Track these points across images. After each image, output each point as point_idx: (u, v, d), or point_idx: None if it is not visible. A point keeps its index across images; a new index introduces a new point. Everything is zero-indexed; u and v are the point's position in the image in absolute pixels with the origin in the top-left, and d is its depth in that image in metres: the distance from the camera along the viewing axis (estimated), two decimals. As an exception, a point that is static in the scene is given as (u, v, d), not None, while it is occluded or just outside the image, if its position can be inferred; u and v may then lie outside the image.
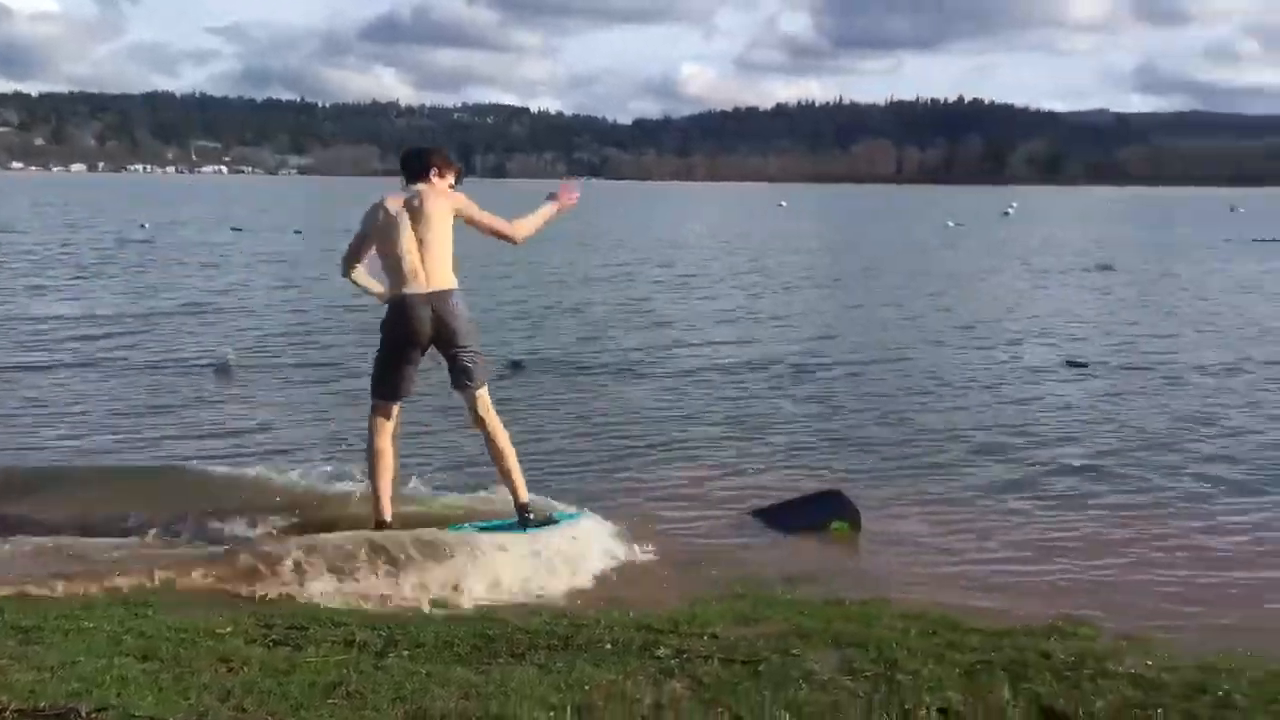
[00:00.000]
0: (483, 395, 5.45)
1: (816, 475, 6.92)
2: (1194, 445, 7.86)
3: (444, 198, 5.43)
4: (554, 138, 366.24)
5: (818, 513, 5.84)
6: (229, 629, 3.81)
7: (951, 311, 15.91)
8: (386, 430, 5.47)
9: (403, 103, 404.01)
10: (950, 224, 47.45)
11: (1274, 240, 35.37)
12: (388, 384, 5.45)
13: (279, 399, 9.32)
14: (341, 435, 7.81)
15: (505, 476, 5.52)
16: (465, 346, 5.35)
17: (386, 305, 5.40)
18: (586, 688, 3.39)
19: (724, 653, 3.80)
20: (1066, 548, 5.72)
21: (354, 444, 7.21)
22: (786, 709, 3.32)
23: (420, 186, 5.46)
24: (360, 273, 5.61)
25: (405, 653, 3.65)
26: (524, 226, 5.60)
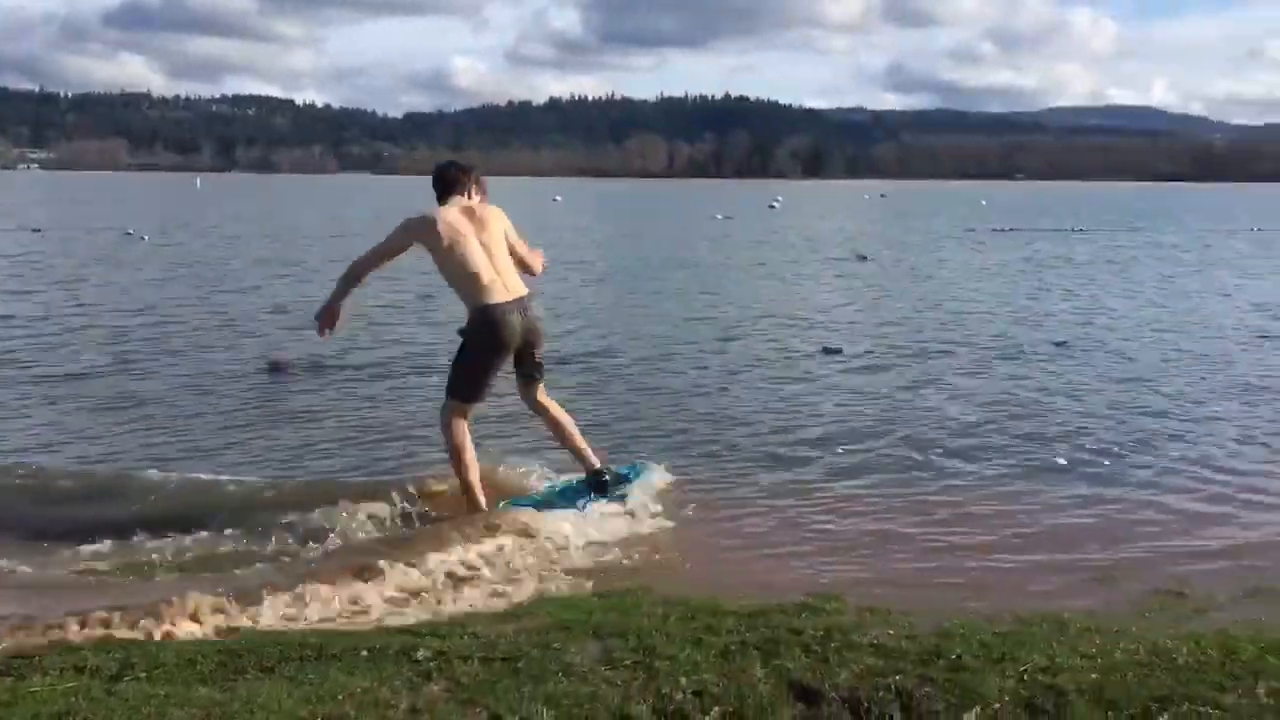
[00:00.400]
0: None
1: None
2: (948, 425, 8.33)
3: (501, 215, 5.88)
4: (322, 131, 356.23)
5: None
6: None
7: (720, 302, 16.34)
8: (466, 429, 5.80)
9: (155, 93, 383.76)
10: (719, 217, 48.79)
11: (1013, 230, 38.03)
12: (476, 389, 5.78)
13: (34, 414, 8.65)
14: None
15: (575, 448, 6.07)
16: (543, 345, 5.91)
17: (470, 312, 5.66)
18: (339, 697, 3.30)
19: (484, 651, 3.76)
20: (823, 529, 5.96)
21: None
22: (545, 703, 3.32)
23: (465, 200, 5.83)
24: (362, 279, 5.83)
25: (142, 675, 3.44)
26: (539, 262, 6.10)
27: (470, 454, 5.79)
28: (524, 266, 5.94)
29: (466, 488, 5.80)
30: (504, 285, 5.64)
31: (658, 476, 6.40)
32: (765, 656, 3.71)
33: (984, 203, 73.37)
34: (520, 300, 5.68)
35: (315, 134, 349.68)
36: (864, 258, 25.01)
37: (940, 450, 7.51)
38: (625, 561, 5.41)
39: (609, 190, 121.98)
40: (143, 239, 28.16)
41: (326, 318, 5.82)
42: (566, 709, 3.29)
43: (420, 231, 5.67)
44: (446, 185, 5.86)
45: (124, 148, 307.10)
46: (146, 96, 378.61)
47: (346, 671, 3.52)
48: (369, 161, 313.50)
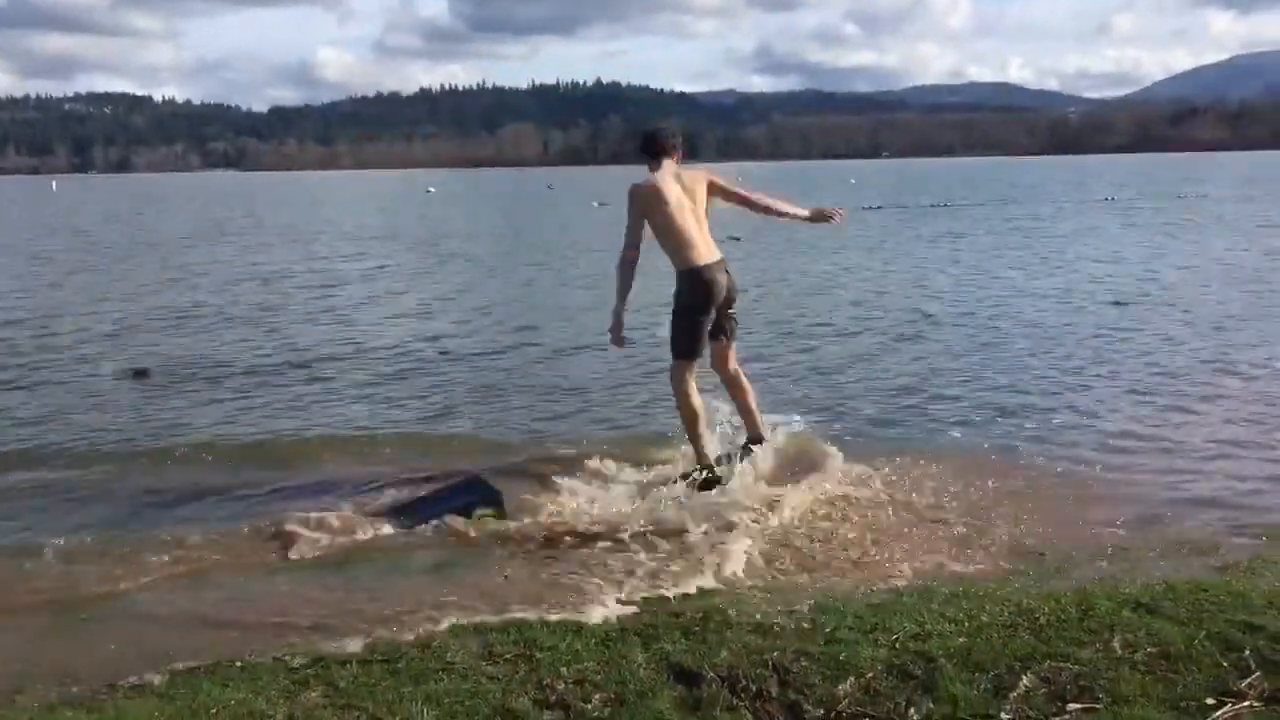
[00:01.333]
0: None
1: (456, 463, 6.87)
2: (820, 396, 8.48)
3: (704, 176, 6.28)
4: (183, 128, 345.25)
5: (459, 500, 5.81)
6: None
7: (596, 290, 16.33)
8: (694, 384, 6.16)
9: (3, 93, 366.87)
10: (596, 204, 48.75)
11: (879, 207, 38.92)
12: (695, 344, 6.12)
13: None
14: None
15: (746, 413, 6.46)
16: (735, 304, 6.28)
17: (681, 275, 6.05)
18: (213, 711, 3.23)
19: (363, 654, 3.73)
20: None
21: None
22: (425, 702, 3.30)
23: (673, 166, 6.18)
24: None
25: (16, 699, 3.33)
26: (770, 201, 6.44)
27: (702, 409, 6.23)
28: (747, 204, 6.43)
29: (694, 439, 6.21)
30: (706, 248, 6.09)
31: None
32: (645, 641, 3.75)
33: (852, 181, 74.82)
34: (721, 261, 6.15)
35: (176, 131, 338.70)
36: (737, 239, 25.27)
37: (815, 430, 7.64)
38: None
39: (485, 178, 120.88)
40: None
41: (616, 333, 6.32)
42: (448, 707, 3.28)
43: (647, 202, 6.07)
44: (659, 151, 6.22)
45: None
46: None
47: (220, 684, 3.45)
48: (234, 158, 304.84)
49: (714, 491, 5.93)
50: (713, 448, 6.29)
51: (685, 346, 6.15)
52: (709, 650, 3.65)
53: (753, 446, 6.39)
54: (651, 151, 6.24)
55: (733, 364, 6.43)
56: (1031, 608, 3.96)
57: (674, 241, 6.04)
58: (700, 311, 6.09)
